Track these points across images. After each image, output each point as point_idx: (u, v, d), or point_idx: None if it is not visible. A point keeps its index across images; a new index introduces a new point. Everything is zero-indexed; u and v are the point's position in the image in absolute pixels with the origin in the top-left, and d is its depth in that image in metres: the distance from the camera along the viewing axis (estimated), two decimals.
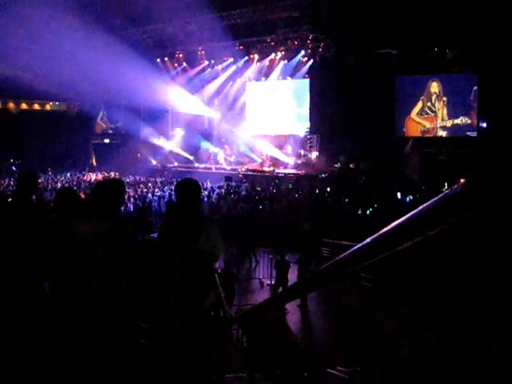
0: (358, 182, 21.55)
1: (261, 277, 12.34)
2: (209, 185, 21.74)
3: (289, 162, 27.20)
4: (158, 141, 31.00)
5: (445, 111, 23.44)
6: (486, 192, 1.22)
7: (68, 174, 27.89)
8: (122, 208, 15.72)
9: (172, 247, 3.69)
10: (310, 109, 26.71)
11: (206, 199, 17.38)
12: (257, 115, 29.68)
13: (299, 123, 27.54)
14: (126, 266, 3.42)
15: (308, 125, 26.93)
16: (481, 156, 18.32)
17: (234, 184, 23.14)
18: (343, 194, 18.21)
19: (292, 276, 10.75)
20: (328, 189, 20.37)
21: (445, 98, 23.36)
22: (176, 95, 30.16)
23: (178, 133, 31.84)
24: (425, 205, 1.41)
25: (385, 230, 1.55)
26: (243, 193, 20.13)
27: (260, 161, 27.53)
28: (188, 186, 3.88)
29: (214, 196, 18.88)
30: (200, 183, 4.09)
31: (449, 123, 23.28)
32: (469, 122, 22.69)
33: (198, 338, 3.73)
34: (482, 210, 1.23)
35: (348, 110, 22.82)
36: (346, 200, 17.13)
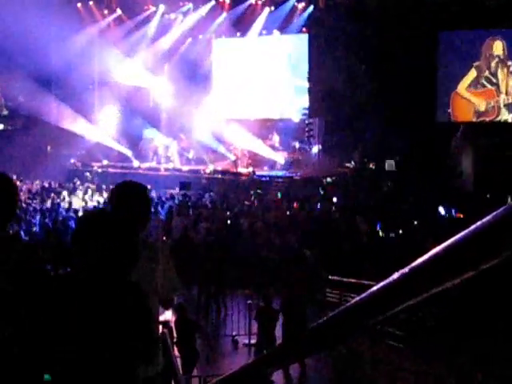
0: (381, 191, 21.65)
1: (234, 333, 12.34)
2: (154, 194, 21.68)
3: (277, 159, 27.31)
4: (78, 127, 30.68)
5: (511, 82, 23.57)
6: None
7: None
8: (20, 227, 15.56)
9: (96, 286, 3.66)
10: (310, 80, 26.71)
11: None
12: (228, 89, 29.73)
13: (292, 101, 27.65)
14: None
15: (306, 104, 26.97)
16: None
17: (193, 193, 23.10)
18: (358, 207, 18.28)
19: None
20: (335, 199, 20.42)
21: (511, 63, 23.50)
22: (106, 58, 29.99)
23: (109, 115, 31.61)
24: (478, 224, 1.44)
25: (419, 261, 1.58)
26: (208, 206, 20.13)
27: (233, 158, 27.48)
28: (129, 193, 3.85)
29: (163, 212, 18.82)
30: None
31: None
32: None
33: None
34: None
35: (365, 83, 22.93)
36: (362, 217, 17.21)
